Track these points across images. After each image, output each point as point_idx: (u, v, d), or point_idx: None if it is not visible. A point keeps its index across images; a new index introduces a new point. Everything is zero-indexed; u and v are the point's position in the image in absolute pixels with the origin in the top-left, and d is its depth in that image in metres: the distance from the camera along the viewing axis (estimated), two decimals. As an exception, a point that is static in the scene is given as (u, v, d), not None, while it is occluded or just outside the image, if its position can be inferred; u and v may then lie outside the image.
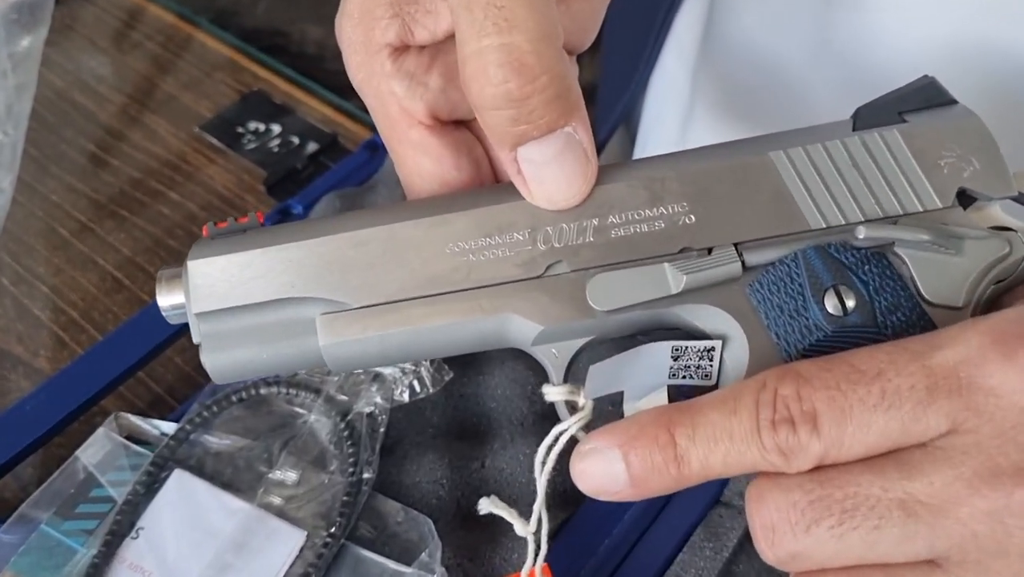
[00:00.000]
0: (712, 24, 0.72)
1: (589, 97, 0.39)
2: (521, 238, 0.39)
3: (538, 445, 0.58)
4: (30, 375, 0.67)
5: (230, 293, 0.40)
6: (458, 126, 0.45)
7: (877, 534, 0.31)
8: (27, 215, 0.77)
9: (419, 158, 0.43)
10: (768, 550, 0.33)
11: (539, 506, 0.41)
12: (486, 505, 0.43)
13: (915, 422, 0.31)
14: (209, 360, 0.41)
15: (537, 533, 0.42)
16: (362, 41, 0.42)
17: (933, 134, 0.38)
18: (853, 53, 0.60)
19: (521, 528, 0.42)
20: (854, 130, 0.39)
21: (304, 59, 1.50)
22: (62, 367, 0.64)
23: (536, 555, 0.43)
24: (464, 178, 0.43)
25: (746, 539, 0.54)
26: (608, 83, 0.91)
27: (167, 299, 0.41)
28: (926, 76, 0.41)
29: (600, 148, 0.93)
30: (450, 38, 0.43)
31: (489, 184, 0.45)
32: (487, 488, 0.56)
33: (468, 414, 0.60)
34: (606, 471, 0.35)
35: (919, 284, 0.37)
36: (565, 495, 0.55)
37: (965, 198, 0.38)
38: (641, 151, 0.88)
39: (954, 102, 0.40)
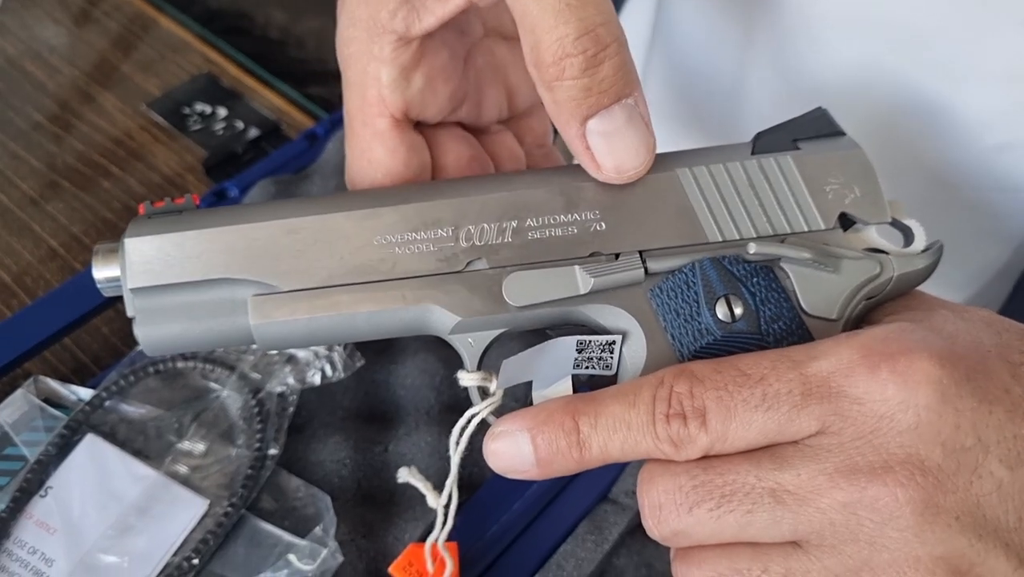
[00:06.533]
0: (658, 29, 0.75)
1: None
2: (445, 235, 0.42)
3: (442, 434, 0.61)
4: (-42, 334, 0.68)
5: (165, 271, 0.42)
6: (417, 127, 0.47)
7: (749, 517, 0.35)
8: (-32, 179, 0.78)
9: (376, 146, 0.45)
10: (654, 527, 0.37)
11: (451, 482, 0.45)
12: (404, 475, 0.46)
13: (790, 423, 0.35)
14: (142, 333, 0.42)
15: (447, 507, 0.45)
16: (365, 18, 0.44)
17: (821, 162, 0.42)
18: (780, 64, 0.63)
19: (433, 500, 0.45)
20: (753, 153, 0.43)
21: (266, 43, 1.52)
22: (-11, 328, 0.66)
23: (443, 527, 0.47)
24: (408, 175, 0.46)
25: (628, 535, 0.58)
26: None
27: (103, 272, 0.43)
28: (819, 108, 0.44)
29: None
30: (442, 33, 0.45)
31: (421, 182, 0.47)
32: (388, 471, 0.59)
33: (377, 400, 0.63)
34: (516, 451, 0.39)
35: (800, 297, 0.40)
36: (460, 482, 0.58)
37: (846, 221, 0.42)
38: None
39: (842, 133, 0.43)
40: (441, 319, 0.42)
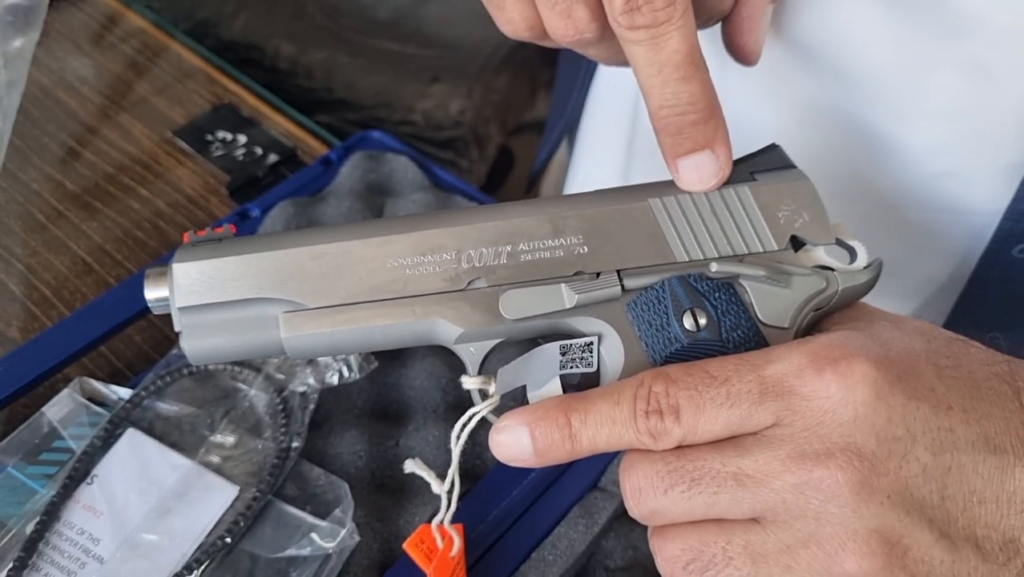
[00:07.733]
0: None
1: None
2: (449, 258, 0.48)
3: (447, 430, 0.67)
4: (3, 343, 0.75)
5: (208, 292, 0.47)
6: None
7: (715, 497, 0.41)
8: (8, 199, 0.85)
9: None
10: (635, 507, 0.43)
11: (453, 470, 0.50)
12: (410, 465, 0.51)
13: (750, 417, 0.41)
14: (188, 346, 0.48)
15: (450, 492, 0.51)
16: None
17: (775, 191, 0.48)
18: (752, 99, 0.70)
19: (437, 487, 0.51)
20: None
21: (276, 74, 1.59)
22: (32, 337, 0.72)
23: (447, 510, 0.52)
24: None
25: (615, 519, 0.64)
26: (554, 106, 1.02)
27: (153, 293, 0.49)
28: (774, 144, 0.51)
29: (546, 162, 1.03)
30: None
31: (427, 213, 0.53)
32: (400, 462, 0.65)
33: (389, 400, 0.69)
34: (516, 443, 0.44)
35: (756, 309, 0.46)
36: (466, 472, 0.65)
37: (796, 242, 0.48)
38: (577, 167, 0.99)
39: (793, 166, 0.50)
40: (446, 331, 0.47)
